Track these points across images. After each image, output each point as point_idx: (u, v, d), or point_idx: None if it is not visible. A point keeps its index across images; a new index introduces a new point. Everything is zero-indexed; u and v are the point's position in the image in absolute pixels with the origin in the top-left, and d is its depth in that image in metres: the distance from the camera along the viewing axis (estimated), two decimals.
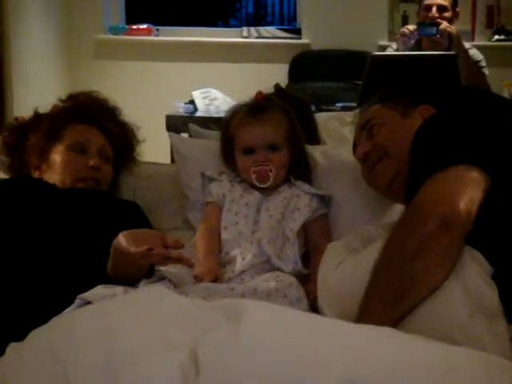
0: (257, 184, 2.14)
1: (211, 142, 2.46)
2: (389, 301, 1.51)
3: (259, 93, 2.22)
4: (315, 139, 2.61)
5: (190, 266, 1.85)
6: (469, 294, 1.47)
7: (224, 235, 2.10)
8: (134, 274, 1.86)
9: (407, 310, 1.50)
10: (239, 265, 1.98)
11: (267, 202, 2.13)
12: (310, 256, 2.11)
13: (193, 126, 2.83)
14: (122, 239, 1.85)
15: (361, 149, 2.02)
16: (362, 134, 2.04)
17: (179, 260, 1.81)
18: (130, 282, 1.84)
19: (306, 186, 2.17)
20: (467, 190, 1.54)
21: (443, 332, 1.42)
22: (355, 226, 2.13)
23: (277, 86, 2.59)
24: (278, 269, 1.99)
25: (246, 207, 2.12)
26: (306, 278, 2.02)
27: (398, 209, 2.09)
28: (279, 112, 2.17)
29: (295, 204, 2.12)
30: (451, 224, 1.50)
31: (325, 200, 2.19)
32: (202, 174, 2.29)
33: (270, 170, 2.12)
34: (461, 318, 1.45)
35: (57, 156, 2.29)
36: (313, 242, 2.13)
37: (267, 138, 2.14)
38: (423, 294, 1.50)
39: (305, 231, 2.12)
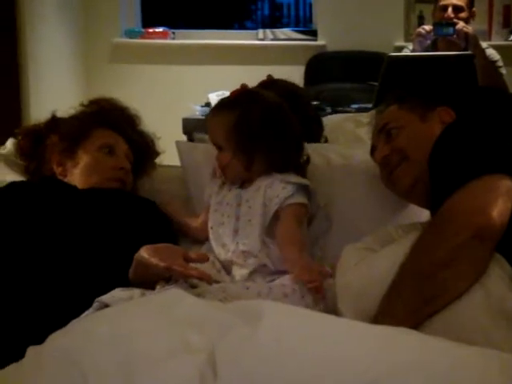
0: None
1: None
2: (413, 306, 1.51)
3: (240, 87, 2.20)
4: (313, 132, 2.57)
5: (210, 282, 1.84)
6: (490, 298, 1.46)
7: (210, 235, 2.11)
8: (155, 281, 1.86)
9: (429, 315, 1.50)
10: (238, 275, 1.98)
11: (246, 194, 2.09)
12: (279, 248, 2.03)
13: (197, 135, 2.84)
14: (143, 253, 1.86)
15: (379, 153, 2.01)
16: (380, 138, 2.03)
17: (200, 278, 1.81)
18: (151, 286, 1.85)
19: (283, 176, 2.07)
20: (501, 200, 1.52)
21: (463, 335, 1.42)
22: (372, 225, 2.11)
23: (269, 77, 2.60)
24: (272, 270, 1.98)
25: (228, 206, 2.10)
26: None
27: (416, 210, 2.08)
28: (227, 111, 2.10)
29: (271, 193, 2.05)
30: (485, 235, 1.49)
31: (303, 190, 2.08)
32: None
33: (217, 170, 2.14)
34: (481, 321, 1.44)
35: (85, 155, 2.30)
36: (279, 229, 2.03)
37: (211, 138, 2.14)
38: (449, 302, 1.49)
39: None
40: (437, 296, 1.50)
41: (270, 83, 2.54)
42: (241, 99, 2.13)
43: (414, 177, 1.90)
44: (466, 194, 1.55)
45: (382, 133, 2.02)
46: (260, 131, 2.06)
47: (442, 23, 4.41)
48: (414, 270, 1.54)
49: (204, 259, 1.89)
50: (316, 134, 2.62)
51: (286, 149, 2.10)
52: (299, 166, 2.15)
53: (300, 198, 2.05)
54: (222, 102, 2.17)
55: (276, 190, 2.04)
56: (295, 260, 1.91)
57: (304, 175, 2.14)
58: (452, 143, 1.73)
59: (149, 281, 1.85)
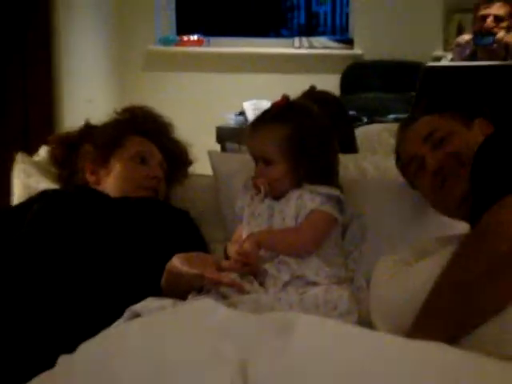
0: None
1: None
2: (450, 320, 1.49)
3: (282, 98, 2.16)
4: (351, 146, 2.60)
5: (243, 292, 1.86)
6: None
7: None
8: (187, 291, 1.87)
9: (467, 331, 1.47)
10: (271, 286, 1.98)
11: (279, 205, 2.09)
12: None
13: (230, 145, 2.85)
14: (175, 261, 1.87)
15: (433, 159, 1.95)
16: (426, 146, 1.99)
17: (231, 285, 1.83)
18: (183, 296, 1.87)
19: (313, 187, 2.09)
20: None
21: (503, 349, 1.40)
22: (407, 239, 2.11)
23: (311, 88, 2.60)
24: (312, 281, 1.98)
25: (259, 218, 2.11)
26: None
27: (454, 223, 2.06)
28: (279, 124, 2.08)
29: (300, 204, 2.07)
30: None
31: (333, 201, 2.09)
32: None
33: (263, 184, 2.09)
34: None
35: (118, 164, 2.32)
36: None
37: (258, 152, 2.11)
38: (489, 317, 1.45)
39: None
40: (476, 310, 1.47)
41: (311, 94, 2.54)
42: (290, 112, 2.11)
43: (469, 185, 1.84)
44: (507, 205, 1.53)
45: (427, 141, 1.98)
46: (313, 146, 2.07)
47: (482, 33, 4.39)
48: (451, 282, 1.52)
49: (236, 268, 1.90)
50: (355, 147, 2.65)
51: (332, 162, 2.14)
52: (335, 178, 2.16)
53: (328, 208, 2.06)
54: (269, 115, 2.14)
55: (305, 201, 2.06)
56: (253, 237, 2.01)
57: (338, 186, 2.14)
58: (494, 153, 1.70)
59: (181, 290, 1.86)
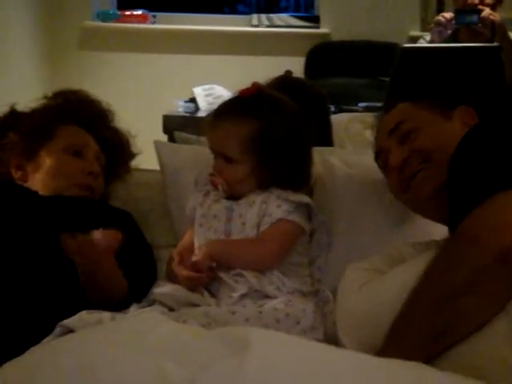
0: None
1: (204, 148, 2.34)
2: (426, 337, 1.50)
3: (252, 86, 2.12)
4: (328, 142, 2.61)
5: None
6: None
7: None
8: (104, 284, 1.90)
9: (444, 349, 1.49)
10: (226, 298, 1.97)
11: (239, 208, 2.08)
12: None
13: (179, 135, 2.84)
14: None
15: (397, 155, 1.97)
16: (392, 139, 2.01)
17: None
18: (108, 301, 1.87)
19: (281, 192, 2.08)
20: None
21: (483, 372, 1.41)
22: (379, 244, 2.12)
23: (287, 73, 2.58)
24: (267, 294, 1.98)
25: (215, 220, 2.09)
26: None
27: (431, 226, 2.08)
28: (246, 118, 2.06)
29: (265, 210, 2.06)
30: (510, 257, 1.45)
31: (302, 208, 2.09)
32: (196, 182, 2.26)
33: (221, 183, 2.09)
34: (505, 357, 1.43)
35: (48, 157, 2.30)
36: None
37: (218, 147, 2.10)
38: (467, 334, 1.48)
39: None
40: (452, 327, 1.49)
41: (284, 81, 2.52)
42: (260, 104, 2.08)
43: (439, 183, 1.85)
44: (489, 208, 1.53)
45: (394, 133, 2.00)
46: (283, 147, 2.05)
47: (465, 10, 4.41)
48: (427, 296, 1.53)
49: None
50: (332, 141, 2.66)
51: (304, 165, 2.13)
52: (307, 182, 2.16)
53: (296, 218, 2.06)
54: (235, 105, 2.12)
55: (270, 207, 2.05)
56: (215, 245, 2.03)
57: (309, 190, 2.14)
58: (476, 150, 1.70)
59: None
